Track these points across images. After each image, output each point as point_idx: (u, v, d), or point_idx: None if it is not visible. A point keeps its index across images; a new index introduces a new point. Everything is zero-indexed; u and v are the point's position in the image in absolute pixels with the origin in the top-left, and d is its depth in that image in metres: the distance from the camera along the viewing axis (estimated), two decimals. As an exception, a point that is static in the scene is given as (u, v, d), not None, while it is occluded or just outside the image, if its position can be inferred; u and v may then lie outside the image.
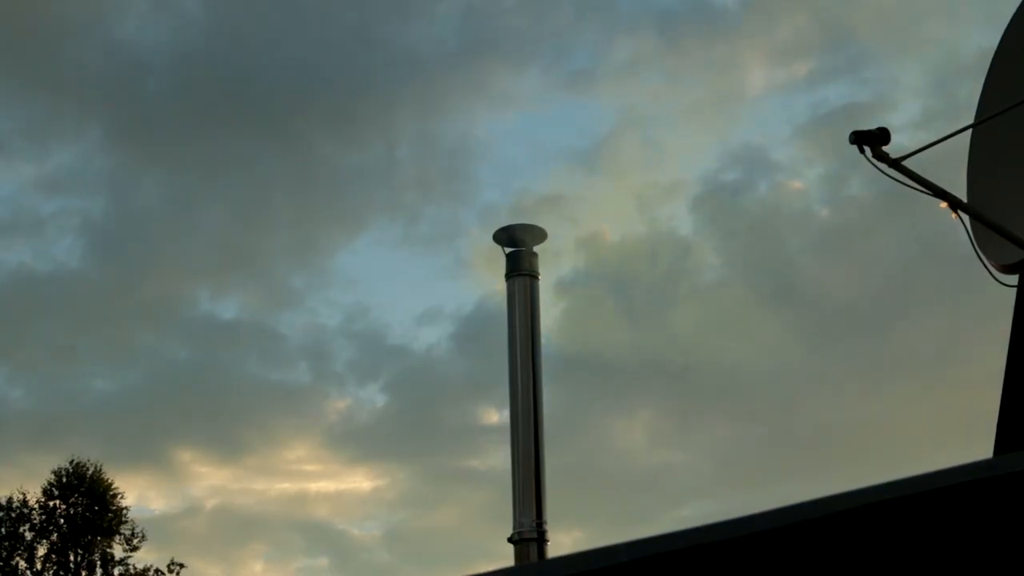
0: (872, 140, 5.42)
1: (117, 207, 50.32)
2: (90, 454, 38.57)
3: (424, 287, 54.64)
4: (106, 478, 36.01)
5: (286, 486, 49.46)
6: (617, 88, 49.80)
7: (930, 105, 34.84)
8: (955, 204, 5.66)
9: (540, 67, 50.67)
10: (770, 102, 47.36)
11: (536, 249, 6.65)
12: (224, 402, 47.52)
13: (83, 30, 48.27)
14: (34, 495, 35.83)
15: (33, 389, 48.01)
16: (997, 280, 5.89)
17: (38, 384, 47.99)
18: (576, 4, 46.90)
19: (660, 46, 46.45)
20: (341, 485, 49.49)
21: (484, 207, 45.65)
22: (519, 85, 49.71)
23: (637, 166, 48.72)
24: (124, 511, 35.98)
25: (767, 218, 43.26)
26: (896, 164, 5.46)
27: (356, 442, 48.10)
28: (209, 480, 50.18)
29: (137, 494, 56.69)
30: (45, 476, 36.11)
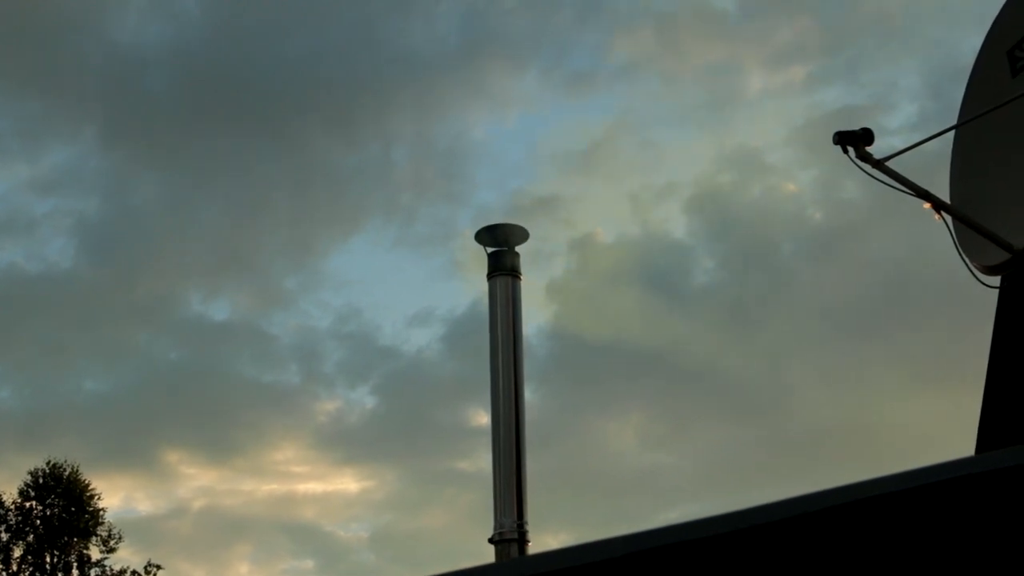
0: (856, 140, 5.42)
1: (111, 207, 50.19)
2: (78, 455, 38.45)
3: (417, 288, 54.62)
4: (83, 479, 35.82)
5: (274, 487, 49.34)
6: (614, 90, 49.92)
7: (926, 108, 35.01)
8: (938, 205, 5.67)
9: (539, 68, 50.76)
10: (766, 105, 47.51)
11: (519, 249, 6.63)
12: (214, 403, 47.44)
13: (80, 29, 48.08)
14: (10, 496, 35.64)
15: (22, 389, 47.83)
16: (980, 281, 5.90)
17: (27, 384, 47.80)
18: (575, 6, 46.98)
19: (658, 48, 46.58)
20: (329, 486, 49.40)
21: (479, 208, 45.71)
22: (517, 86, 49.77)
23: (632, 168, 48.83)
24: (101, 512, 35.81)
25: (760, 221, 43.43)
26: (880, 165, 5.47)
27: (345, 443, 48.07)
28: (197, 481, 50.04)
29: (124, 495, 56.50)
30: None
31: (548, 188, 50.03)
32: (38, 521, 35.37)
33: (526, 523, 6.07)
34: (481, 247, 6.62)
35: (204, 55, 48.07)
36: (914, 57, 44.51)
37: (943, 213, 5.67)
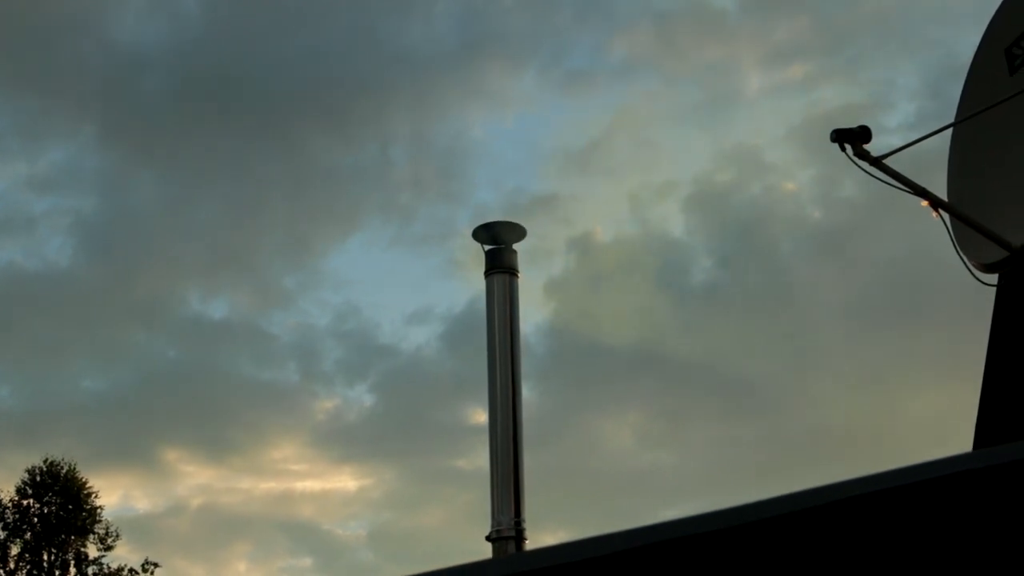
0: (853, 138, 5.42)
1: (110, 206, 50.24)
2: (76, 453, 38.39)
3: (416, 287, 54.77)
4: (80, 477, 35.79)
5: (272, 485, 49.42)
6: (613, 89, 49.95)
7: (924, 106, 35.08)
8: (936, 203, 5.66)
9: (537, 67, 50.85)
10: (765, 104, 47.56)
11: (517, 247, 6.62)
12: (212, 401, 47.51)
13: (79, 29, 48.08)
14: (7, 493, 35.61)
15: (21, 387, 47.83)
16: (978, 279, 5.90)
17: (26, 382, 47.82)
18: (574, 5, 46.98)
19: (657, 47, 46.60)
20: (327, 485, 49.47)
21: (478, 208, 45.76)
22: (515, 85, 49.82)
23: (631, 167, 48.87)
24: (98, 510, 35.78)
25: (759, 219, 43.45)
26: (877, 162, 5.46)
27: (343, 442, 48.14)
28: (195, 479, 50.08)
29: (122, 493, 56.54)
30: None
31: (547, 187, 50.13)
32: (35, 519, 35.33)
33: (523, 521, 6.07)
34: (479, 245, 6.61)
35: (203, 55, 48.14)
36: (912, 56, 44.60)
37: (941, 211, 5.67)
